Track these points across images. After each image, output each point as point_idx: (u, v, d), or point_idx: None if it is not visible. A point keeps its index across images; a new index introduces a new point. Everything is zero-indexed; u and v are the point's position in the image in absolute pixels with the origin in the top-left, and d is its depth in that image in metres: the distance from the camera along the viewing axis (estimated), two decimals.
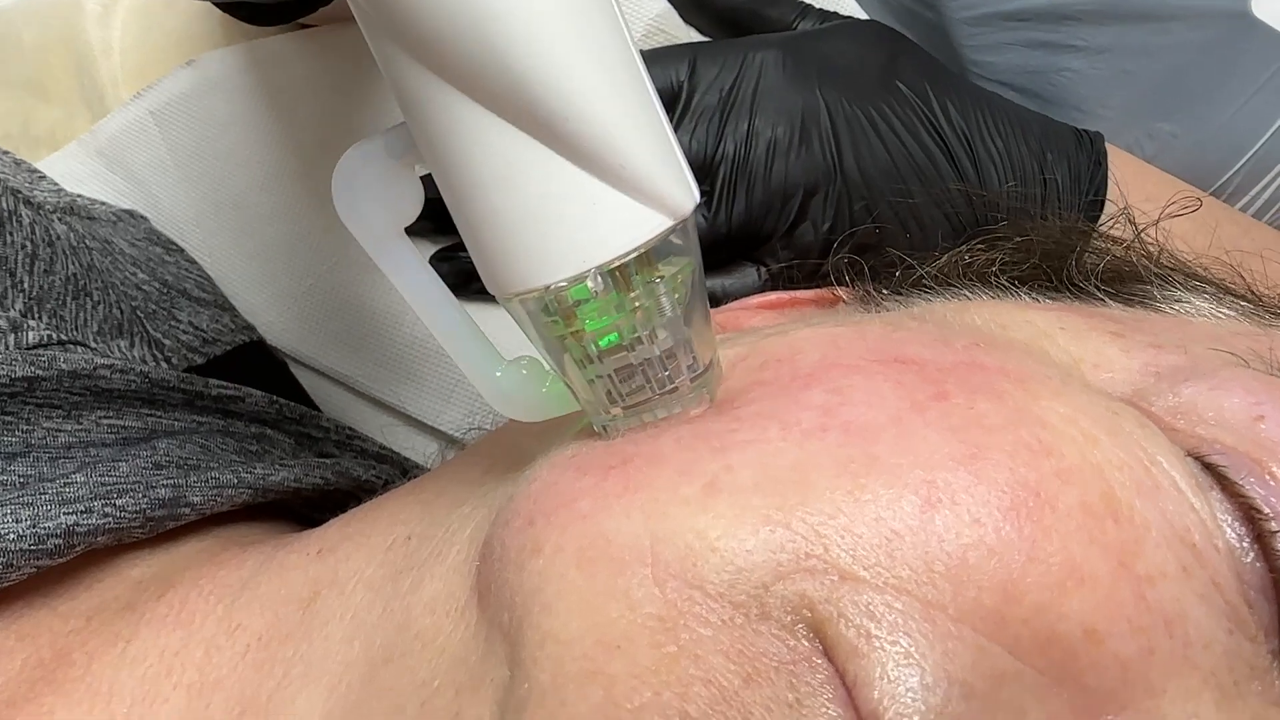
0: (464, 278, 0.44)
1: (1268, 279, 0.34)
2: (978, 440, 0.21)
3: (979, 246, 0.32)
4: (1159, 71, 0.48)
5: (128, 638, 0.30)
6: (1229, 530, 0.21)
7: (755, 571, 0.20)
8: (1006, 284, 0.30)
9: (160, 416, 0.36)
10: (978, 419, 0.21)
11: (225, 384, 0.38)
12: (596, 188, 0.21)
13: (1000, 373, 0.23)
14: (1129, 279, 0.30)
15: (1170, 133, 0.49)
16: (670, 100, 0.43)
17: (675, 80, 0.43)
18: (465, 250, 0.44)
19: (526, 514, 0.23)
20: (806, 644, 0.20)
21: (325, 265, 0.44)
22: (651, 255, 0.22)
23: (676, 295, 0.23)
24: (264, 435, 0.39)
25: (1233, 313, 0.28)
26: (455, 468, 0.30)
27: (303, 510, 0.37)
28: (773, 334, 0.27)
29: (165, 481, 0.33)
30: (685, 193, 0.23)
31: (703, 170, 0.42)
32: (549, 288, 0.22)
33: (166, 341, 0.40)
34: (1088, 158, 0.45)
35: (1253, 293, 0.30)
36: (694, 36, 0.45)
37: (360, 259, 0.44)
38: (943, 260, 0.32)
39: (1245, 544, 0.21)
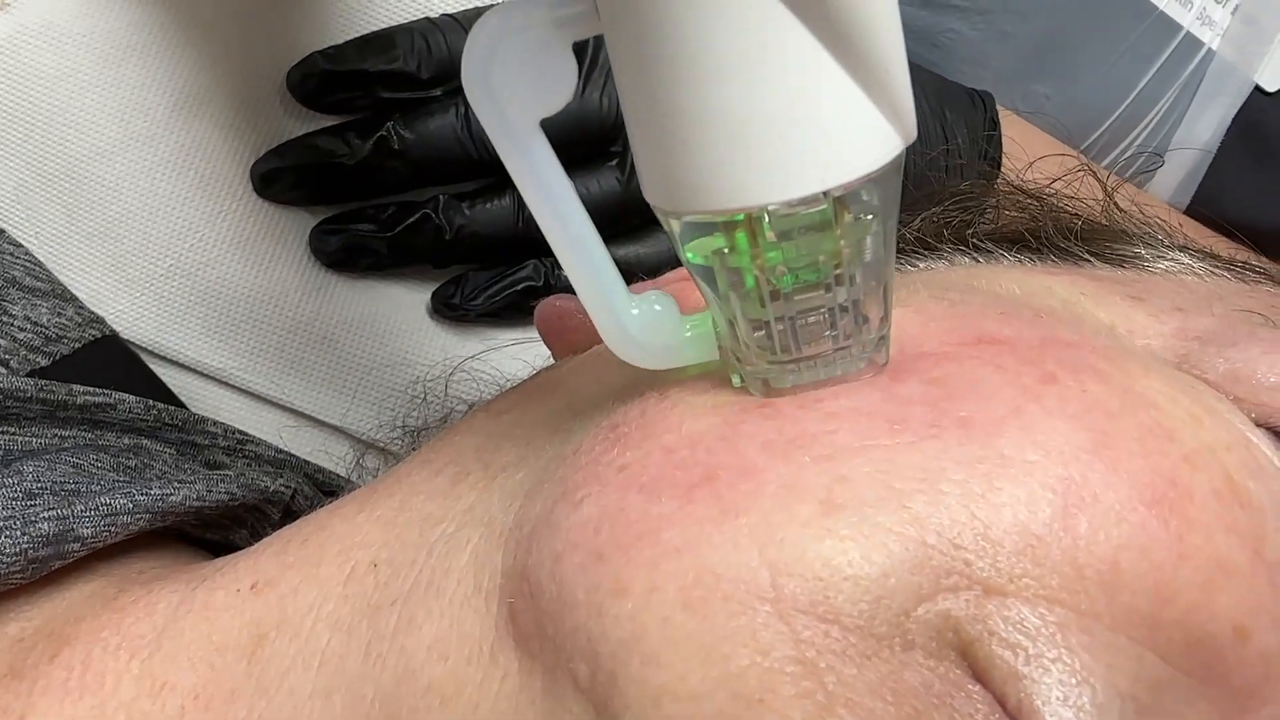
0: (354, 253, 0.39)
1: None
2: (1104, 427, 0.19)
3: (953, 208, 0.31)
4: (1035, 33, 0.49)
5: (20, 713, 0.25)
6: None
7: (895, 597, 0.18)
8: (992, 246, 0.29)
9: (15, 434, 0.30)
10: (1096, 403, 0.20)
11: (92, 390, 0.32)
12: (852, 92, 0.18)
13: (1088, 349, 0.21)
14: (1101, 238, 0.30)
15: (1044, 94, 0.50)
16: (577, 53, 0.39)
17: None
18: (354, 222, 0.39)
19: (589, 547, 0.19)
20: (959, 671, 0.18)
21: (186, 243, 0.38)
22: (873, 186, 0.19)
23: (881, 240, 0.20)
24: (140, 447, 0.33)
25: (1218, 270, 0.28)
26: (412, 478, 0.26)
27: (198, 532, 0.32)
28: None
29: (45, 514, 0.27)
30: (914, 114, 0.19)
31: (613, 131, 0.39)
32: (767, 207, 0.18)
33: (1, 341, 0.33)
34: (983, 117, 0.45)
35: (1207, 250, 0.31)
36: None
37: (229, 234, 0.39)
38: (916, 223, 0.30)
39: None
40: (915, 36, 0.49)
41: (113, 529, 0.28)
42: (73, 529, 0.27)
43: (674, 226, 0.20)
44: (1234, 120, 0.50)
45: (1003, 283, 0.25)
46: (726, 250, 0.20)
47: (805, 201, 0.18)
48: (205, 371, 0.39)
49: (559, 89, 0.20)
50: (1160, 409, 0.20)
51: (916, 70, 0.45)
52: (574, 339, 0.29)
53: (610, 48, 0.19)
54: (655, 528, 0.19)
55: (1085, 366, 0.21)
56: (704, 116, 0.18)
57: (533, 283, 0.40)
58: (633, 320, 0.21)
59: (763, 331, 0.20)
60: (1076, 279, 0.26)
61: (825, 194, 0.18)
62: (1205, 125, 0.50)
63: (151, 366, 0.39)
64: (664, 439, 0.20)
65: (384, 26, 0.39)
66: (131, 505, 0.28)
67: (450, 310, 0.40)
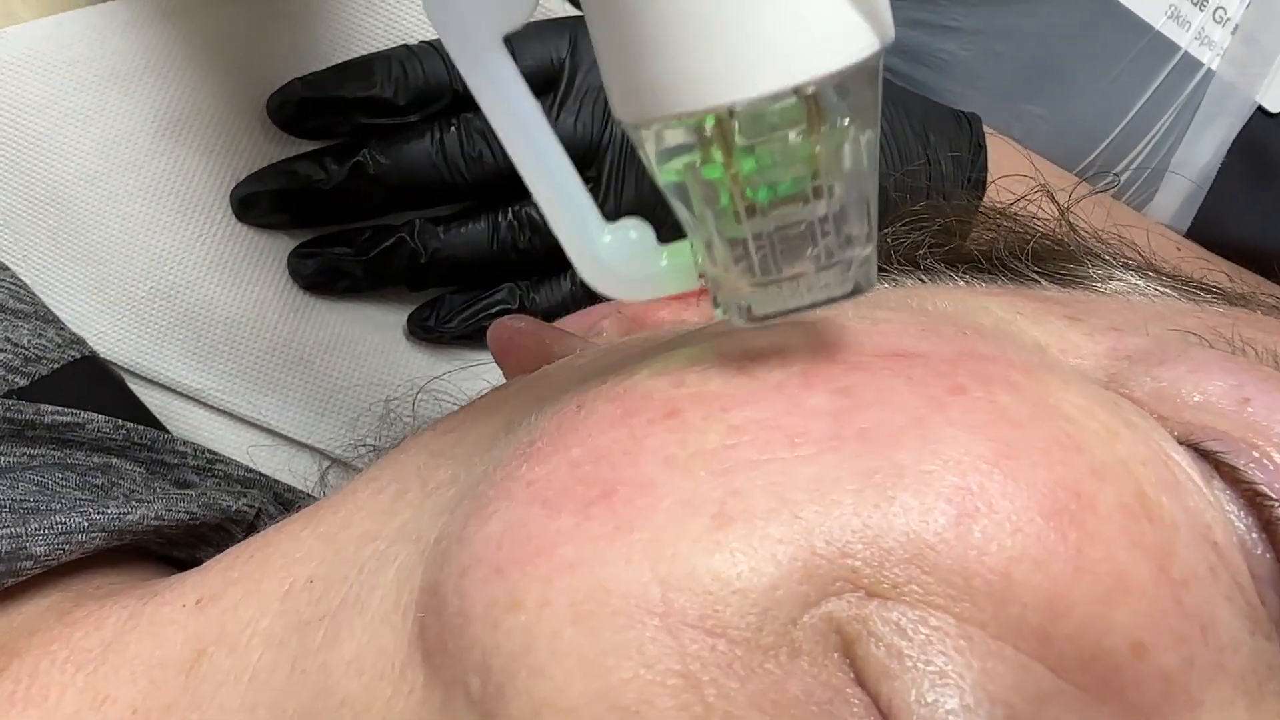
0: (330, 275, 0.40)
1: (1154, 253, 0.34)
2: (1008, 437, 0.19)
3: (903, 227, 0.30)
4: (1027, 54, 0.49)
5: None
6: (1238, 523, 0.20)
7: (782, 607, 0.18)
8: (939, 266, 0.29)
9: None
10: (1002, 414, 0.20)
11: (60, 409, 0.33)
12: None
13: (1004, 363, 0.21)
14: (1056, 259, 0.29)
15: (1038, 115, 0.50)
16: (551, 79, 0.40)
17: (555, 58, 0.40)
18: (332, 245, 0.40)
19: (491, 562, 0.19)
20: (841, 675, 0.18)
21: (166, 265, 0.39)
22: (847, 87, 0.18)
23: (861, 148, 0.19)
24: (109, 466, 0.33)
25: (1169, 290, 0.28)
26: (358, 495, 0.26)
27: (163, 549, 0.33)
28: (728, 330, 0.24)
29: (0, 531, 0.28)
30: (890, 17, 0.18)
31: (589, 155, 0.40)
32: (732, 107, 0.18)
33: None
34: (968, 139, 0.45)
35: (1150, 265, 0.30)
36: (574, 12, 0.42)
37: (209, 257, 0.39)
38: None
39: (1254, 535, 0.20)
40: (906, 57, 0.49)
41: (67, 547, 0.28)
42: (25, 547, 0.28)
43: (648, 146, 0.19)
44: (1235, 141, 0.49)
45: (937, 302, 0.25)
46: (699, 162, 0.19)
47: (774, 98, 0.18)
48: (185, 392, 0.40)
49: (520, 3, 0.19)
50: (1073, 421, 0.20)
51: (902, 93, 0.45)
52: (524, 358, 0.29)
53: None
54: (552, 543, 0.19)
55: (998, 378, 0.20)
56: (664, 12, 0.18)
57: (507, 306, 0.40)
58: (605, 248, 0.21)
59: (742, 251, 0.20)
60: (1016, 299, 0.26)
61: (795, 92, 0.18)
62: (1205, 146, 0.49)
63: (133, 387, 0.39)
64: (571, 453, 0.20)
65: (363, 53, 0.39)
66: (87, 524, 0.29)
67: (425, 333, 0.41)
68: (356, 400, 0.40)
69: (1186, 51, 0.48)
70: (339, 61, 0.39)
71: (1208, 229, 0.51)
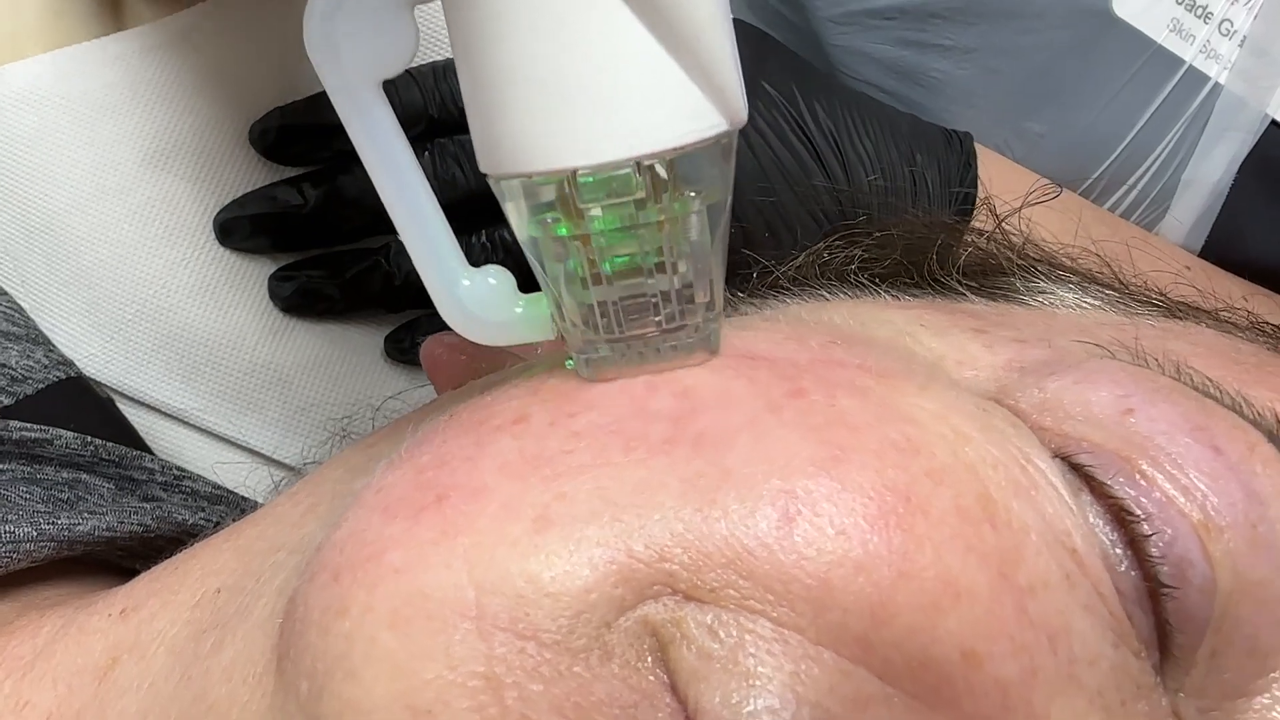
0: (308, 298, 0.41)
1: (1135, 269, 0.33)
2: (840, 440, 0.19)
3: (837, 243, 0.30)
4: (1025, 71, 0.48)
5: None
6: (1103, 536, 0.19)
7: (596, 610, 0.18)
8: (866, 282, 0.28)
9: None
10: (840, 417, 0.19)
11: (29, 425, 0.34)
12: (665, 63, 0.18)
13: (860, 369, 0.21)
14: (993, 273, 0.29)
15: (1038, 132, 0.49)
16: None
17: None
18: (308, 269, 0.41)
19: (332, 567, 0.20)
20: (652, 679, 0.18)
21: (151, 290, 0.40)
22: (693, 163, 0.19)
23: (705, 223, 0.20)
24: (78, 481, 0.35)
25: (1098, 302, 0.27)
26: (277, 509, 0.27)
27: (125, 562, 0.34)
28: None
29: None
30: (742, 102, 0.19)
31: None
32: (577, 171, 0.18)
33: None
34: (958, 158, 0.44)
35: (1120, 280, 0.29)
36: None
37: (191, 281, 0.41)
38: (800, 259, 0.30)
39: (1119, 550, 0.19)
40: (900, 77, 0.49)
41: (14, 555, 0.29)
42: None
43: (507, 201, 0.20)
44: (1248, 156, 0.47)
45: (830, 314, 0.25)
46: (550, 220, 0.20)
47: (614, 166, 0.19)
48: (168, 411, 0.41)
49: (398, 51, 0.20)
50: (917, 424, 0.19)
51: (890, 113, 0.45)
52: (454, 374, 0.30)
53: (446, 16, 0.19)
54: (382, 549, 0.19)
55: (844, 383, 0.20)
56: (517, 77, 0.18)
57: None
58: (465, 291, 0.22)
59: (589, 311, 0.20)
60: (926, 312, 0.25)
61: (635, 163, 0.18)
62: (1216, 162, 0.48)
63: (122, 407, 0.41)
64: (420, 460, 0.21)
65: None
66: (36, 534, 0.30)
67: (402, 354, 0.41)
68: (334, 420, 0.41)
69: (1191, 65, 0.47)
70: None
71: (1223, 246, 0.49)
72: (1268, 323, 0.28)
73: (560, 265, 0.20)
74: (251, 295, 0.41)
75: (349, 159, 0.40)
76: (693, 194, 0.19)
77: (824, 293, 0.28)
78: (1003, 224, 0.31)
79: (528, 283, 0.22)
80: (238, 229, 0.40)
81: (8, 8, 0.41)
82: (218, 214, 0.40)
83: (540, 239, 0.20)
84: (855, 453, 0.19)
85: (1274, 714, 0.19)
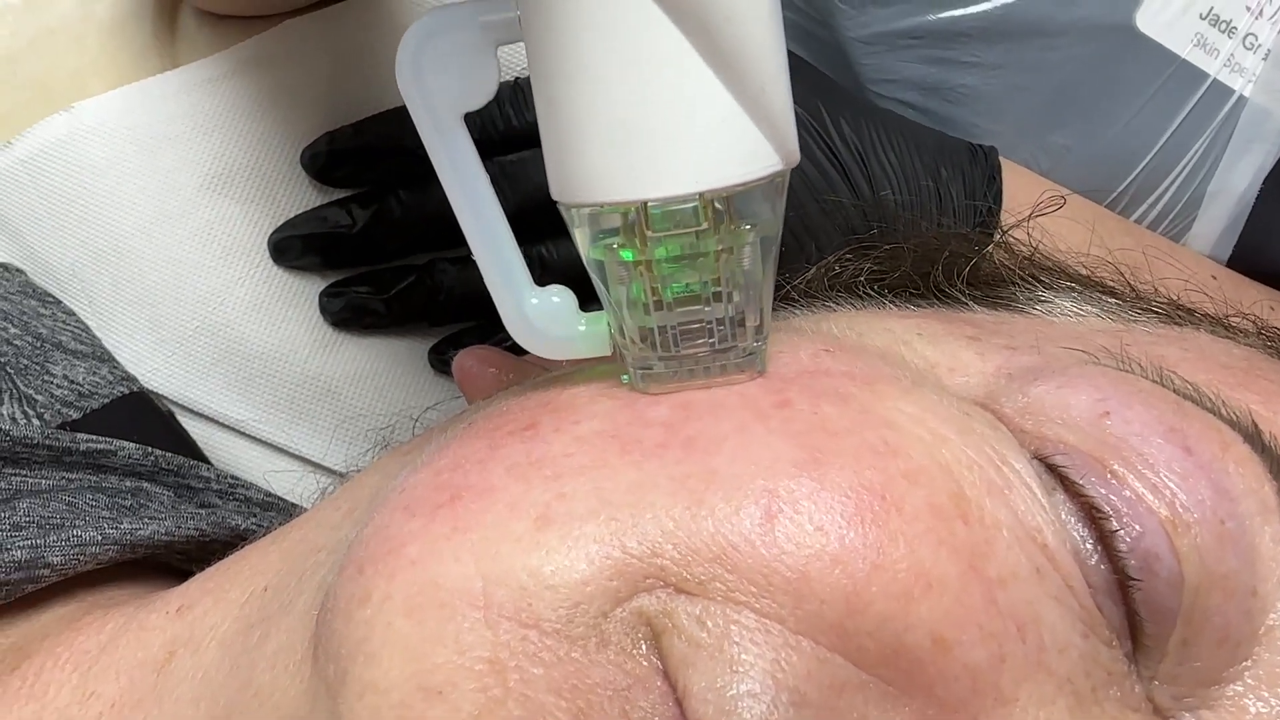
0: (356, 313, 0.43)
1: (1153, 277, 0.34)
2: (820, 444, 0.20)
3: (848, 257, 0.32)
4: (1050, 86, 0.49)
5: None
6: (1074, 532, 0.20)
7: (592, 602, 0.19)
8: (873, 293, 0.30)
9: (25, 476, 0.35)
10: (821, 423, 0.21)
11: (95, 438, 0.36)
12: (730, 106, 0.20)
13: (846, 376, 0.22)
14: (996, 282, 0.30)
15: (1064, 146, 0.49)
16: None
17: None
18: (357, 285, 0.43)
19: (358, 561, 0.21)
20: (646, 665, 0.19)
21: (209, 307, 0.43)
22: (750, 199, 0.21)
23: (759, 254, 0.22)
24: (140, 489, 0.37)
25: (1096, 310, 0.28)
26: (320, 512, 0.29)
27: (184, 565, 0.36)
28: None
29: (22, 543, 0.31)
30: (795, 144, 0.21)
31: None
32: (648, 203, 0.20)
33: (39, 397, 0.38)
34: (982, 172, 0.45)
35: (1131, 288, 0.30)
36: None
37: (247, 298, 0.43)
38: (810, 273, 0.32)
39: (1089, 546, 0.20)
40: (926, 92, 0.50)
41: (81, 558, 0.31)
42: (43, 556, 0.31)
43: (575, 226, 0.22)
44: (1274, 167, 0.48)
45: (830, 324, 0.27)
46: (617, 245, 0.22)
47: (681, 200, 0.20)
48: (225, 422, 0.43)
49: (482, 87, 0.22)
50: (896, 428, 0.21)
51: (916, 128, 0.46)
52: (484, 386, 0.31)
53: (528, 54, 0.21)
54: (401, 543, 0.21)
55: (828, 392, 0.22)
56: (592, 117, 0.20)
57: None
58: (532, 308, 0.24)
59: (647, 332, 0.22)
60: (925, 320, 0.27)
61: (699, 196, 0.20)
62: (1242, 173, 0.48)
63: (181, 419, 0.43)
64: (439, 463, 0.23)
65: (386, 108, 0.42)
66: (100, 537, 0.32)
67: (444, 365, 0.43)
68: (377, 430, 0.43)
69: (1216, 79, 0.47)
70: (365, 116, 0.42)
71: (1250, 256, 0.49)
72: (1274, 328, 0.29)
73: (623, 288, 0.22)
74: (303, 311, 0.43)
75: (393, 180, 0.42)
76: (748, 226, 0.21)
77: (830, 304, 0.30)
78: (1009, 235, 0.32)
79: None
80: (290, 248, 0.42)
81: (72, 46, 0.44)
82: (272, 234, 0.43)
83: (606, 262, 0.22)
84: (834, 455, 0.20)
85: (1246, 701, 0.20)
